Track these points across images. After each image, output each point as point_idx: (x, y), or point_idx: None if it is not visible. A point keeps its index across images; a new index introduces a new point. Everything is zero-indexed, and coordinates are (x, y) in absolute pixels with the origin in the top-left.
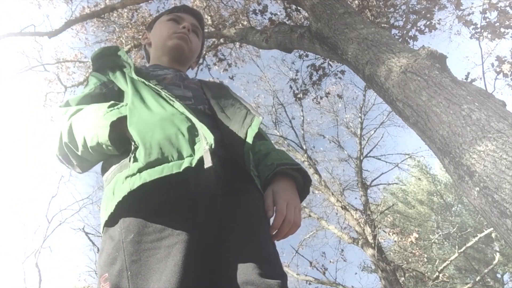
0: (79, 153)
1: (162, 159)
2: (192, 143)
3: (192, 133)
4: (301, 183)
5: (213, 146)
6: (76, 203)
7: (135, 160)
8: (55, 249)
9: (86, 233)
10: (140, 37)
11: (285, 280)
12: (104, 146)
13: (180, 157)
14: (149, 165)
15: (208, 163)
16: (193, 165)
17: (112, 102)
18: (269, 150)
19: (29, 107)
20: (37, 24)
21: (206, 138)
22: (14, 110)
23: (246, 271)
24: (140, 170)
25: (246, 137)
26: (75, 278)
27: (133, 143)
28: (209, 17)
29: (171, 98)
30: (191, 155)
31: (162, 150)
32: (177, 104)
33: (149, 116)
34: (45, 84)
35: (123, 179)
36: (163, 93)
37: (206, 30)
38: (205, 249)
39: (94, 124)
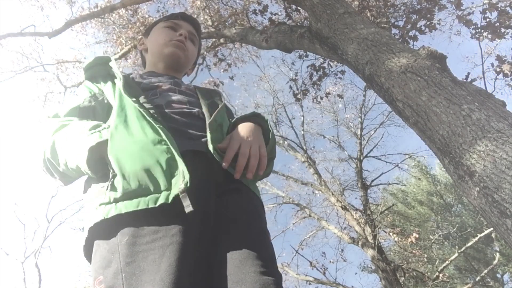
0: (61, 170)
1: (140, 191)
2: (170, 176)
3: (171, 165)
4: (263, 124)
5: (188, 185)
6: (76, 203)
7: (113, 189)
8: (55, 249)
9: None
10: (138, 40)
11: (279, 278)
12: (82, 170)
13: (157, 190)
14: (126, 197)
15: (188, 207)
16: (169, 201)
17: (95, 123)
18: None
19: (29, 107)
20: (37, 24)
21: (184, 176)
22: (14, 110)
23: (241, 269)
24: (116, 200)
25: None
26: (75, 278)
27: (111, 170)
28: (208, 17)
29: (156, 121)
30: (167, 189)
31: (139, 182)
32: (161, 131)
33: (129, 144)
34: (45, 84)
35: (96, 206)
36: (146, 114)
37: (206, 30)
38: (200, 249)
39: (74, 148)
